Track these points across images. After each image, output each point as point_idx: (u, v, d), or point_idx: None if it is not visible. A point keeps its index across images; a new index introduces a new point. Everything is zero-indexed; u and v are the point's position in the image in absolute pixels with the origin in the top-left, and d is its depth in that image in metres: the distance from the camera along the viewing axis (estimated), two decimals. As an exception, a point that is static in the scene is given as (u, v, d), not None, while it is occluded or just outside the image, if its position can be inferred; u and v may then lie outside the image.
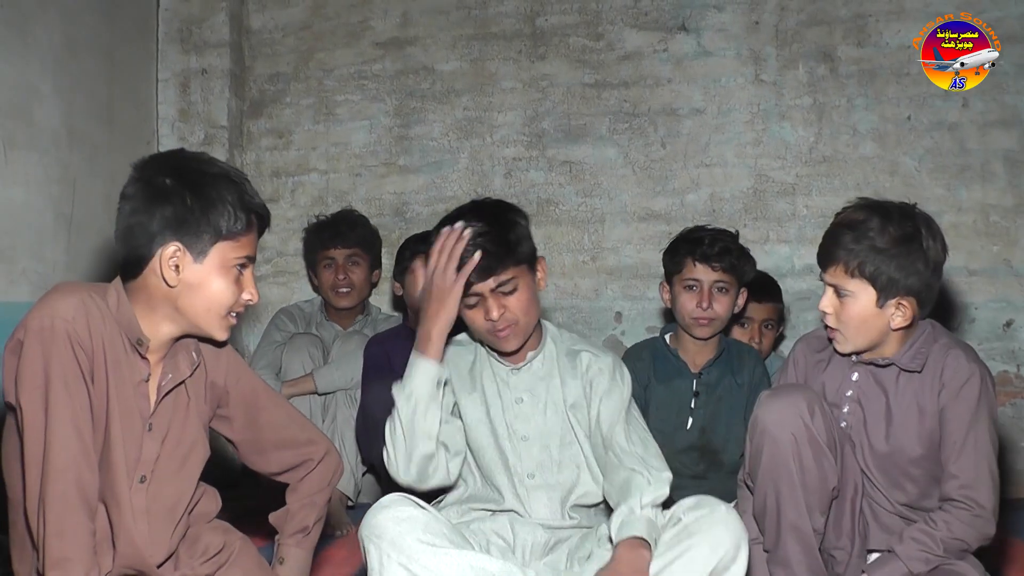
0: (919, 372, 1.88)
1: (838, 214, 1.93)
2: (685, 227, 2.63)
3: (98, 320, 1.47)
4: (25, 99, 2.85)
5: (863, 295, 1.84)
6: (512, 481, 1.89)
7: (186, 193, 1.49)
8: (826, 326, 1.93)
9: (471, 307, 1.84)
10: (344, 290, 3.22)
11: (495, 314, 1.82)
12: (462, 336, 2.02)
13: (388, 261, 3.30)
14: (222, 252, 1.52)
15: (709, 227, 2.57)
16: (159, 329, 1.54)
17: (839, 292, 1.87)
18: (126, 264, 1.53)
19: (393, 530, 1.63)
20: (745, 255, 2.52)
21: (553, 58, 3.62)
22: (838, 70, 3.42)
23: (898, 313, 1.84)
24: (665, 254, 2.58)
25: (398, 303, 3.31)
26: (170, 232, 1.49)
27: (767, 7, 3.48)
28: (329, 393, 3.06)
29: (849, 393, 1.95)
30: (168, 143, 3.65)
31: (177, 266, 1.50)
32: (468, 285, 1.80)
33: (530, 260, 1.88)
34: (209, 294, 1.53)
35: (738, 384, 2.49)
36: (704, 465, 2.45)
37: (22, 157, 2.81)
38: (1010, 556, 2.35)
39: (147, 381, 1.55)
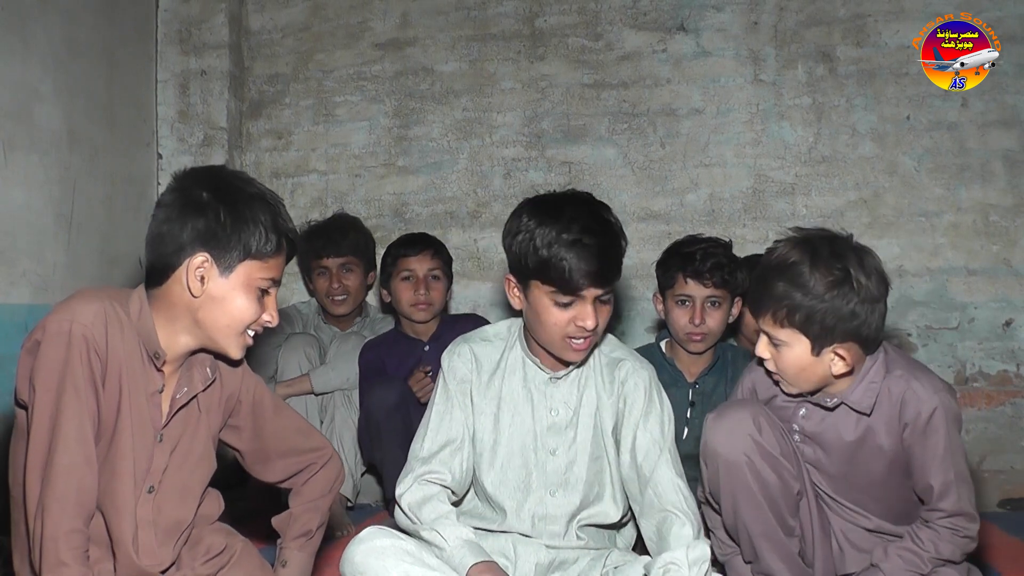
0: (868, 415, 1.78)
1: (769, 250, 1.80)
2: (684, 227, 2.61)
3: (116, 328, 1.48)
4: (25, 100, 2.85)
5: (797, 345, 1.72)
6: (521, 500, 1.85)
7: (220, 208, 1.51)
8: (767, 371, 1.84)
9: (564, 306, 1.73)
10: (340, 297, 3.22)
11: (591, 323, 1.72)
12: (491, 331, 1.95)
13: (386, 262, 3.29)
14: (248, 271, 1.55)
15: (701, 238, 2.52)
16: (177, 340, 1.55)
17: (772, 340, 1.76)
18: (152, 271, 1.55)
19: (373, 562, 1.65)
20: (738, 267, 2.47)
21: (552, 58, 3.62)
22: (837, 70, 3.42)
23: (838, 361, 1.73)
24: (657, 266, 2.55)
25: (386, 308, 3.31)
26: (199, 243, 1.51)
27: (766, 7, 3.48)
28: (326, 393, 3.06)
29: (796, 428, 1.86)
30: (168, 144, 3.65)
31: (203, 277, 1.51)
32: (576, 287, 1.70)
33: None
34: (230, 309, 1.54)
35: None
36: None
37: (22, 158, 2.81)
38: (1010, 556, 2.35)
39: (160, 392, 1.55)
